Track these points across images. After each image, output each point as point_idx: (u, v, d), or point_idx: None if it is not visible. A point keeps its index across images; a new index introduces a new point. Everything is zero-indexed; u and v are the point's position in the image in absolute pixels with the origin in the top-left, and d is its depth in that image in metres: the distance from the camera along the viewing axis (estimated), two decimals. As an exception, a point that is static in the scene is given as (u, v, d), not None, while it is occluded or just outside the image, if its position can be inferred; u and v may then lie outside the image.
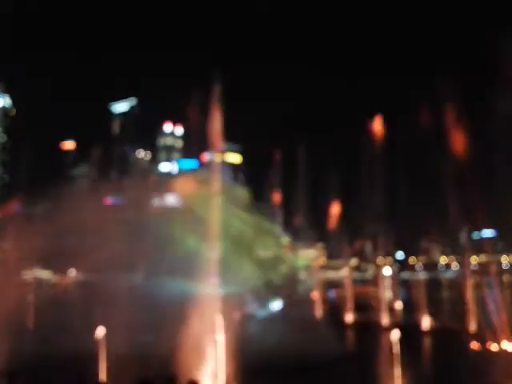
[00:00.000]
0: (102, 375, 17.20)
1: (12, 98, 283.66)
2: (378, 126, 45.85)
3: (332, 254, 68.86)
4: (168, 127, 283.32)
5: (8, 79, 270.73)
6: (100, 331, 18.56)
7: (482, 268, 48.13)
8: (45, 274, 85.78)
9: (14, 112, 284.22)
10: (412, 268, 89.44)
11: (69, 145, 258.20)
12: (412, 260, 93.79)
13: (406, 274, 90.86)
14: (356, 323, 43.42)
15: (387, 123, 47.30)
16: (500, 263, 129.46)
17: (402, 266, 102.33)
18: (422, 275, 68.70)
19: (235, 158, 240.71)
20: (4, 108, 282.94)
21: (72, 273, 68.77)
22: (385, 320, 41.00)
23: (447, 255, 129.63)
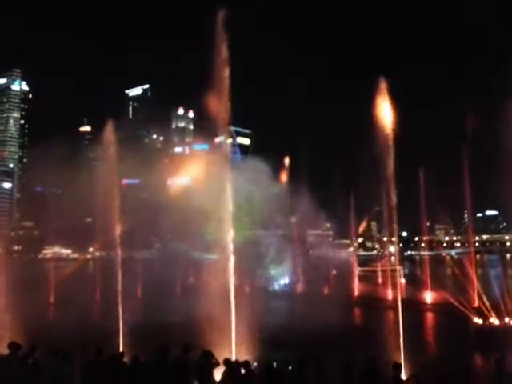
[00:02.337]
0: (120, 345, 18.22)
1: (28, 83, 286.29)
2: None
3: (339, 234, 69.99)
4: (180, 110, 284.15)
5: (25, 65, 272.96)
6: (117, 303, 19.62)
7: (485, 246, 48.89)
8: (65, 252, 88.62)
9: (30, 97, 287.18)
10: (416, 246, 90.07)
11: (85, 128, 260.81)
12: (416, 239, 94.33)
13: (410, 252, 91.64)
14: (361, 299, 44.41)
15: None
16: (503, 242, 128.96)
17: (407, 244, 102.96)
18: (426, 253, 69.34)
19: (245, 141, 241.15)
20: (21, 93, 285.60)
21: (91, 250, 71.30)
22: (389, 296, 42.03)
23: (451, 234, 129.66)
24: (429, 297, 41.74)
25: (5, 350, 12.45)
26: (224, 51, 22.93)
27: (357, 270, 51.37)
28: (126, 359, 12.95)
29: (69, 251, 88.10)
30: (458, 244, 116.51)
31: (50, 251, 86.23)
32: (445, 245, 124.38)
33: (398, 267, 50.96)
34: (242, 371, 11.62)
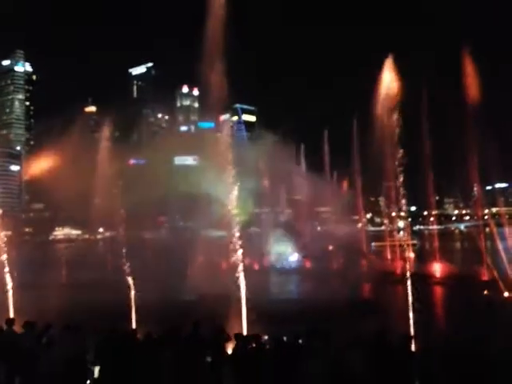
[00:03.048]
0: (132, 323, 18.47)
1: (32, 64, 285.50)
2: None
3: (348, 210, 69.93)
4: (185, 89, 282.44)
5: (28, 46, 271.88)
6: (127, 281, 19.89)
7: (495, 219, 48.68)
8: (75, 232, 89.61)
9: (35, 78, 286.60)
10: (425, 221, 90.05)
11: (90, 108, 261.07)
12: (425, 213, 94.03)
13: (419, 227, 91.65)
14: (371, 273, 44.60)
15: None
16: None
17: (416, 219, 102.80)
18: (435, 227, 69.29)
19: (251, 118, 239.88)
20: (25, 74, 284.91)
21: (100, 230, 72.01)
22: (399, 270, 42.22)
23: (460, 208, 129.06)
24: (439, 270, 41.85)
25: (20, 329, 12.74)
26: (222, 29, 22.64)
27: (372, 245, 51.31)
28: (138, 336, 13.19)
29: (79, 232, 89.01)
30: (468, 217, 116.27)
31: (60, 232, 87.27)
32: (454, 218, 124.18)
33: (411, 242, 51.06)
34: (253, 345, 11.78)
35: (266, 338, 13.53)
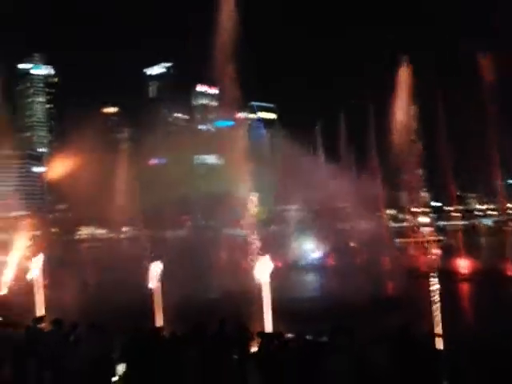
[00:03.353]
0: (159, 321, 19.00)
1: (53, 67, 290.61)
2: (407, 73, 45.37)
3: (369, 205, 69.37)
4: (202, 87, 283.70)
5: (49, 49, 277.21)
6: (153, 279, 20.13)
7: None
8: (99, 232, 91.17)
9: (56, 80, 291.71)
10: (448, 216, 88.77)
11: (109, 109, 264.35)
12: (448, 208, 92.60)
13: (442, 223, 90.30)
14: (396, 270, 44.12)
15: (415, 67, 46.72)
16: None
17: (439, 214, 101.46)
18: (459, 223, 68.29)
19: (270, 115, 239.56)
20: (45, 77, 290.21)
21: (124, 230, 73.06)
22: (424, 266, 41.71)
23: (483, 203, 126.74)
24: (466, 266, 41.25)
25: (48, 327, 13.05)
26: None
27: (396, 242, 50.56)
28: (163, 335, 13.34)
29: (103, 231, 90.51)
30: (491, 212, 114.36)
31: (85, 232, 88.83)
32: (477, 213, 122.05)
33: (437, 238, 50.21)
34: (276, 343, 11.81)
35: (290, 335, 13.55)
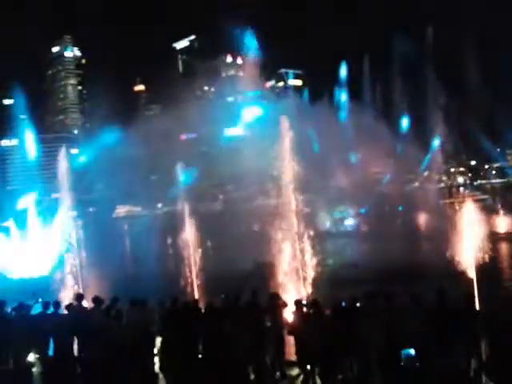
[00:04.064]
0: (194, 293, 19.27)
1: (80, 48, 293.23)
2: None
3: (402, 168, 68.11)
4: (229, 58, 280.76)
5: (75, 30, 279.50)
6: (188, 254, 20.40)
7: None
8: (135, 209, 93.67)
9: (84, 62, 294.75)
10: (486, 175, 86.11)
11: (139, 87, 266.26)
12: (486, 167, 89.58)
13: (480, 182, 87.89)
14: (432, 234, 43.17)
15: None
16: None
17: (476, 173, 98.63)
18: (497, 181, 66.10)
19: (298, 82, 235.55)
20: (75, 59, 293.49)
21: (159, 206, 74.64)
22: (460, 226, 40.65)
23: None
24: (503, 224, 40.16)
25: (90, 304, 13.54)
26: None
27: (439, 203, 48.99)
28: (200, 306, 13.66)
29: (139, 208, 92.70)
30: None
31: (122, 210, 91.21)
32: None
33: (481, 196, 48.46)
34: (311, 311, 11.89)
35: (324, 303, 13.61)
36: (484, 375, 10.58)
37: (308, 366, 11.54)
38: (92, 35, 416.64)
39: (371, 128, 59.18)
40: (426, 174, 76.39)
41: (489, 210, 46.20)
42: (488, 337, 10.37)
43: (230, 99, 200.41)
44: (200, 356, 12.29)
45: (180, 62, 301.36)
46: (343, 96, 73.04)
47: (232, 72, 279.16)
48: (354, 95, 71.59)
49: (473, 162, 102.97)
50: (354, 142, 57.85)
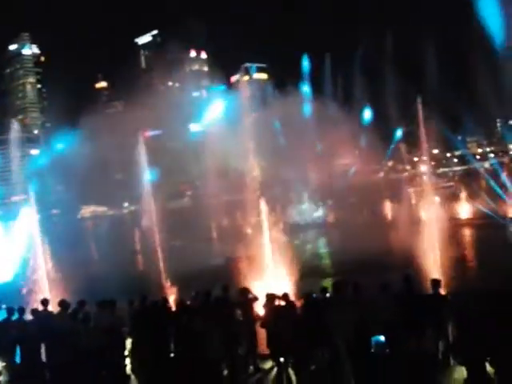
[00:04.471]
0: (163, 291, 19.09)
1: (38, 46, 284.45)
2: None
3: (367, 159, 69.37)
4: (192, 53, 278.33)
5: (32, 28, 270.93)
6: (156, 251, 20.18)
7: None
8: (101, 209, 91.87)
9: (43, 59, 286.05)
10: (448, 162, 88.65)
11: (101, 84, 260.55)
12: (448, 155, 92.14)
13: (443, 169, 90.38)
14: (397, 223, 44.01)
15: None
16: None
17: (439, 161, 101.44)
18: (459, 168, 68.12)
19: (262, 76, 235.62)
20: (33, 57, 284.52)
21: (125, 205, 73.49)
22: (424, 214, 41.68)
23: (483, 146, 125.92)
24: (465, 211, 41.37)
25: (55, 309, 13.18)
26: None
27: (408, 191, 49.65)
28: (170, 304, 13.53)
29: (104, 208, 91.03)
30: (492, 155, 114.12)
31: (87, 210, 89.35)
32: (478, 157, 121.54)
33: (447, 184, 49.38)
34: (282, 303, 11.94)
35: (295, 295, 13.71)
36: (451, 357, 10.86)
37: (281, 359, 11.60)
38: (51, 32, 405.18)
39: (336, 120, 59.88)
40: (390, 164, 78.11)
41: (452, 197, 47.69)
42: (455, 320, 10.64)
43: (194, 94, 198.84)
44: (172, 355, 12.18)
45: (143, 58, 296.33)
46: (307, 89, 73.57)
47: (196, 67, 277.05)
48: (318, 89, 72.29)
49: (435, 151, 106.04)
50: (320, 135, 58.35)
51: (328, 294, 12.03)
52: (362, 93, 58.02)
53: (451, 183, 59.68)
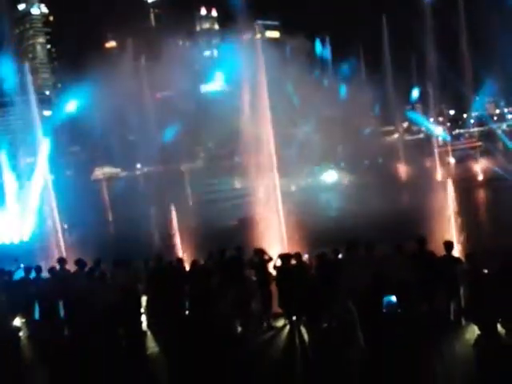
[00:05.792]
0: (178, 251, 19.32)
1: (47, 5, 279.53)
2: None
3: (384, 121, 68.19)
4: (203, 11, 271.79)
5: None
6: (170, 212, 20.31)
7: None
8: (114, 171, 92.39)
9: (52, 19, 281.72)
10: (465, 124, 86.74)
11: (110, 43, 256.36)
12: (465, 116, 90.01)
13: (459, 131, 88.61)
14: (412, 179, 43.41)
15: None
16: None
17: (455, 123, 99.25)
18: (475, 130, 66.59)
19: (275, 34, 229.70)
20: (42, 16, 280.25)
21: (139, 166, 73.56)
22: (439, 174, 41.24)
23: (501, 107, 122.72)
24: (480, 172, 40.81)
25: (72, 268, 13.45)
26: None
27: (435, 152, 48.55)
28: (184, 264, 13.70)
29: (118, 170, 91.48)
30: (510, 116, 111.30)
31: (100, 172, 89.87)
32: (495, 118, 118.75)
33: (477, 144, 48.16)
34: (294, 262, 12.04)
35: (306, 256, 13.80)
36: (463, 318, 10.92)
37: (294, 317, 11.78)
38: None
39: (353, 81, 58.64)
40: (405, 125, 76.70)
41: (468, 158, 46.97)
42: (467, 281, 10.64)
43: (205, 53, 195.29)
44: (187, 312, 12.43)
45: (152, 16, 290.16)
46: (324, 50, 71.58)
47: (207, 25, 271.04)
48: (335, 50, 70.26)
49: (452, 112, 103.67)
50: (336, 96, 57.28)
51: (340, 255, 12.10)
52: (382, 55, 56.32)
53: (479, 143, 57.98)
